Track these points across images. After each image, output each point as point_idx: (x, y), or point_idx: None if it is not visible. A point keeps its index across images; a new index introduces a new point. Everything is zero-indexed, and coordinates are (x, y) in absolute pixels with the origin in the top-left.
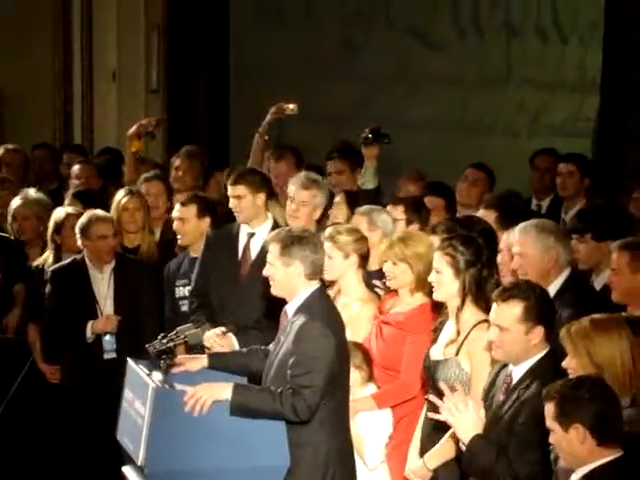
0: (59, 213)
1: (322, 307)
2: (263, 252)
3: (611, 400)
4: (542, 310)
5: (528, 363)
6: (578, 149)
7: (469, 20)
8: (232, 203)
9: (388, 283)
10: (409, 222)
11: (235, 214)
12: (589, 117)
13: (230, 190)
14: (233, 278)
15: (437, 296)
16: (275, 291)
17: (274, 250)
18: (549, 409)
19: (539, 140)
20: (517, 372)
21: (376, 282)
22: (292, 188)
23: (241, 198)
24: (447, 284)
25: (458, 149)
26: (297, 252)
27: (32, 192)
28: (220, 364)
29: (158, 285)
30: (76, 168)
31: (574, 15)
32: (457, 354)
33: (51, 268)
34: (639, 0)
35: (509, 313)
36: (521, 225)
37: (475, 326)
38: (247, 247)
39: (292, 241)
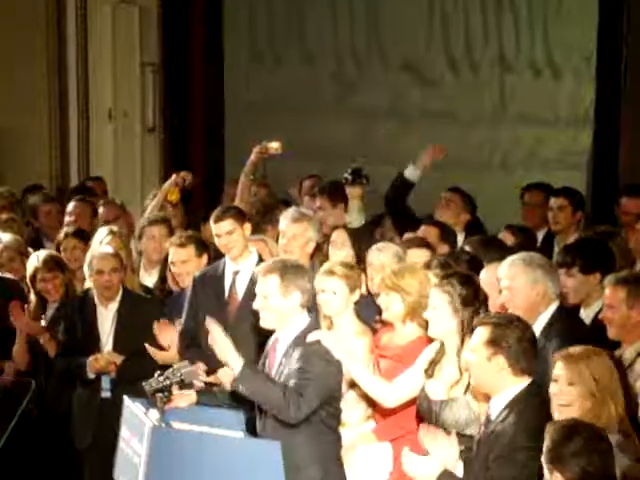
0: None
1: None
2: (250, 290)
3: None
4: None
5: (507, 395)
6: (573, 182)
7: (463, 56)
8: (223, 240)
9: (383, 315)
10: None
11: (227, 251)
12: (583, 150)
13: (219, 228)
14: (221, 318)
15: (432, 333)
16: (267, 323)
17: (272, 281)
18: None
19: (534, 174)
20: (495, 405)
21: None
22: (283, 222)
23: (232, 232)
24: (444, 322)
25: (453, 185)
26: (297, 282)
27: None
28: (209, 401)
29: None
30: (71, 206)
31: (567, 50)
32: (465, 393)
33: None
34: (631, 33)
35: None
36: (509, 259)
37: None
38: (233, 286)
39: (292, 271)
